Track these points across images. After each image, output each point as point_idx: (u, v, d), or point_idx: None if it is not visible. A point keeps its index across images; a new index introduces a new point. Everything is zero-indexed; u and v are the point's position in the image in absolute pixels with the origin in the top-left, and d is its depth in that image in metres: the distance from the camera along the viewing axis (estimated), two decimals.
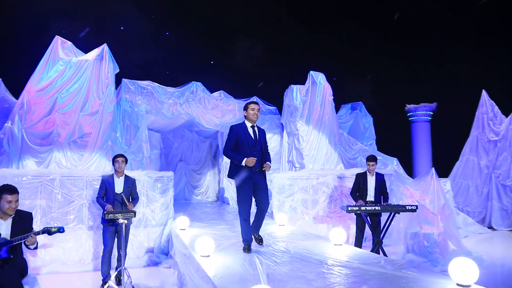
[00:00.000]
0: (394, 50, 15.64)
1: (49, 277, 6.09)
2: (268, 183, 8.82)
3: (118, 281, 5.13)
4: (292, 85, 10.48)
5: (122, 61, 8.85)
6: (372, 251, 5.96)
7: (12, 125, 7.31)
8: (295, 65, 14.01)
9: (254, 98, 11.91)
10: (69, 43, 8.13)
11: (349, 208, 5.90)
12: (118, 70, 8.43)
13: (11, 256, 3.65)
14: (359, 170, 7.31)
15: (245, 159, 4.53)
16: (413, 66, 15.85)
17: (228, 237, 5.77)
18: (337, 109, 12.52)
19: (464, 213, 10.34)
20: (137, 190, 5.86)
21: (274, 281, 3.43)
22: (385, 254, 5.87)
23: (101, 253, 5.48)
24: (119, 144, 8.63)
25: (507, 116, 11.45)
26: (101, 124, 7.79)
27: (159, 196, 7.33)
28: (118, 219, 5.00)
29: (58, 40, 7.94)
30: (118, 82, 9.39)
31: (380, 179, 6.45)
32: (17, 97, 8.07)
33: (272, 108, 12.02)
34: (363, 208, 5.92)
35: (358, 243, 6.38)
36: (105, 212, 5.11)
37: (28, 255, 6.00)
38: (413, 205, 5.94)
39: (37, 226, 5.85)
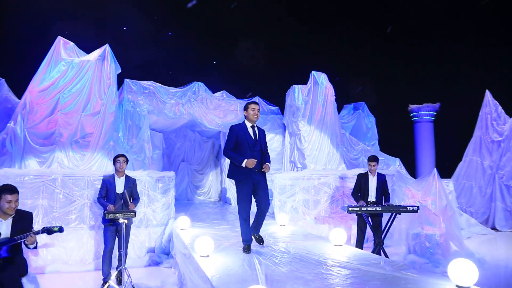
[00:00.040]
0: (397, 50, 15.58)
1: (51, 276, 6.12)
2: (269, 183, 8.81)
3: (119, 281, 5.15)
4: (294, 85, 10.48)
5: (124, 61, 8.89)
6: (373, 252, 5.94)
7: (14, 125, 7.36)
8: (297, 65, 14.01)
9: (256, 98, 11.93)
10: (71, 43, 8.17)
11: (350, 209, 5.87)
12: (120, 71, 8.46)
13: (11, 256, 3.67)
14: (361, 171, 7.28)
15: (246, 160, 4.52)
16: (417, 66, 15.79)
17: (229, 237, 5.77)
18: (339, 109, 12.49)
19: (467, 214, 10.26)
20: (139, 190, 5.87)
21: (272, 281, 3.42)
22: (386, 255, 5.84)
23: (102, 253, 5.50)
24: (121, 144, 8.66)
25: (510, 116, 11.37)
26: (103, 124, 7.82)
27: (160, 196, 7.35)
28: (118, 219, 5.01)
29: (60, 41, 7.98)
30: (120, 82, 9.43)
31: (382, 180, 6.42)
32: (19, 97, 8.13)
33: (274, 108, 12.02)
34: (364, 208, 5.89)
35: (359, 243, 6.35)
36: (105, 212, 5.12)
37: (30, 255, 6.05)
38: (415, 206, 5.90)
39: (38, 225, 5.89)
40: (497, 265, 6.74)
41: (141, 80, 10.14)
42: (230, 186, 11.48)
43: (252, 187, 4.69)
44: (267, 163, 4.74)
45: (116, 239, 5.45)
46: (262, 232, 5.06)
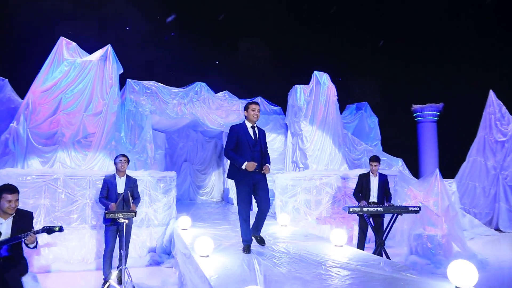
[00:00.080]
0: (400, 50, 15.52)
1: (53, 275, 6.15)
2: (270, 183, 8.81)
3: (119, 280, 5.16)
4: (296, 85, 10.45)
5: (126, 61, 8.92)
6: (374, 252, 5.91)
7: (17, 125, 7.40)
8: (300, 65, 13.99)
9: (259, 99, 11.92)
10: (74, 44, 8.21)
11: (351, 209, 5.85)
12: (122, 71, 8.49)
13: (11, 255, 3.70)
14: (363, 171, 7.25)
15: (246, 163, 4.51)
16: (420, 66, 15.72)
17: (229, 237, 5.76)
18: (342, 109, 12.46)
19: (470, 215, 10.19)
20: (140, 190, 5.88)
21: (271, 282, 3.41)
22: (387, 256, 5.82)
23: (103, 253, 5.51)
24: (123, 144, 8.69)
25: None
26: (105, 124, 7.85)
27: (161, 196, 7.37)
28: (119, 219, 5.03)
29: (63, 41, 8.02)
30: (122, 83, 9.46)
31: (383, 180, 6.38)
32: (23, 97, 8.17)
33: (277, 108, 12.01)
34: (365, 209, 5.86)
35: (361, 244, 6.31)
36: (106, 212, 5.13)
37: (32, 254, 6.08)
38: (416, 207, 5.87)
39: (40, 225, 5.92)
40: (500, 267, 6.68)
41: (143, 80, 10.18)
42: (233, 186, 11.47)
43: (252, 187, 4.69)
44: (267, 165, 4.73)
45: (117, 239, 5.47)
46: (263, 233, 5.05)
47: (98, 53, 8.21)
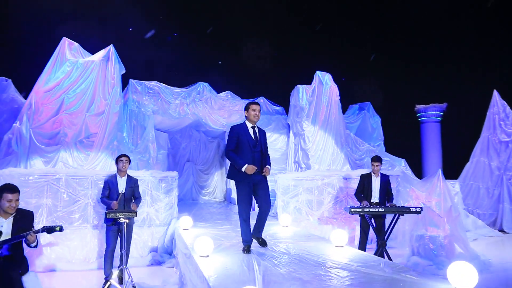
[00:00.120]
0: (403, 50, 15.45)
1: (55, 275, 6.19)
2: (272, 183, 8.83)
3: (120, 280, 5.18)
4: (298, 85, 10.43)
5: (129, 61, 8.95)
6: (375, 253, 5.88)
7: (20, 125, 7.45)
8: (303, 65, 13.97)
9: (261, 99, 11.92)
10: (76, 44, 8.25)
11: (352, 210, 5.82)
12: (124, 71, 8.52)
13: (12, 254, 3.72)
14: (365, 171, 7.22)
15: (246, 166, 4.49)
16: (423, 66, 15.65)
17: (230, 237, 5.76)
18: (345, 109, 12.44)
19: (474, 216, 10.13)
20: (142, 190, 5.89)
21: (269, 282, 3.41)
22: (389, 257, 5.79)
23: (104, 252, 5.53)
24: (126, 144, 8.71)
25: None
26: (107, 124, 7.88)
27: (163, 196, 7.38)
28: (119, 219, 5.04)
29: (65, 42, 8.07)
30: (125, 83, 9.50)
31: (385, 180, 6.34)
32: (26, 98, 8.22)
33: (279, 108, 12.01)
34: (366, 209, 5.83)
35: (362, 245, 6.28)
36: (106, 212, 5.15)
37: (33, 253, 6.11)
38: (418, 207, 5.83)
39: (43, 224, 5.95)
40: (504, 268, 6.63)
41: (145, 80, 10.21)
42: (235, 186, 11.47)
43: (252, 187, 4.68)
44: (268, 166, 4.71)
45: (118, 238, 5.48)
46: (264, 233, 5.02)
47: (101, 54, 8.25)
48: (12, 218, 3.78)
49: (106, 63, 8.15)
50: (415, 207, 5.82)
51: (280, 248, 4.95)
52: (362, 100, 12.91)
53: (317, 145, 9.85)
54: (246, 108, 4.82)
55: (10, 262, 3.67)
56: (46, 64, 7.93)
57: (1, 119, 8.67)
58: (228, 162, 12.19)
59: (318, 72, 10.30)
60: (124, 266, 5.02)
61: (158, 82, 10.33)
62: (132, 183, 5.62)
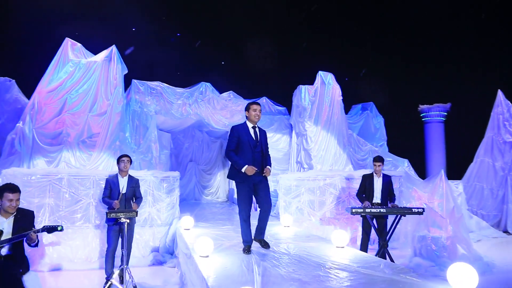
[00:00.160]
0: (406, 50, 15.38)
1: (57, 274, 6.22)
2: (274, 183, 8.81)
3: (121, 280, 5.19)
4: (300, 86, 10.41)
5: (131, 62, 8.99)
6: (377, 254, 5.85)
7: (23, 125, 7.49)
8: (305, 65, 13.94)
9: (264, 99, 11.91)
10: (79, 44, 8.29)
11: (354, 210, 5.79)
12: (126, 71, 8.55)
13: (12, 253, 3.74)
14: (368, 172, 7.19)
15: (246, 166, 4.48)
16: (427, 66, 15.57)
17: (231, 237, 5.75)
18: (348, 109, 12.39)
19: (478, 217, 10.05)
20: (144, 190, 5.90)
21: (268, 283, 3.39)
22: (391, 257, 5.75)
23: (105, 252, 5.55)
24: (128, 144, 8.74)
25: None
26: (109, 124, 7.91)
27: (165, 196, 7.39)
28: (120, 218, 5.05)
29: (68, 42, 8.10)
30: (127, 83, 9.53)
31: (387, 181, 6.30)
32: (29, 98, 8.27)
33: (282, 108, 11.99)
34: (367, 210, 5.80)
35: (364, 246, 6.24)
36: (107, 212, 5.17)
37: (36, 252, 6.15)
38: (420, 208, 5.78)
39: (45, 223, 5.98)
40: (507, 270, 6.56)
41: (148, 80, 10.23)
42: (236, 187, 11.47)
43: (253, 187, 4.67)
44: (268, 167, 4.70)
45: (120, 238, 5.49)
46: (265, 233, 4.98)
47: (103, 54, 8.28)
48: (13, 217, 3.80)
49: (108, 63, 8.18)
50: (417, 208, 5.78)
51: (281, 248, 4.93)
52: (365, 100, 12.86)
53: (320, 145, 9.82)
54: (247, 108, 4.81)
55: (10, 261, 3.69)
56: (49, 64, 7.97)
57: (4, 119, 8.74)
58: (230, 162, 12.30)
59: (320, 72, 10.27)
60: (125, 266, 5.03)
61: (160, 82, 10.35)
62: (134, 183, 5.64)
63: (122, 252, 5.20)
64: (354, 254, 4.66)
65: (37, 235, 3.78)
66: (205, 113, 10.76)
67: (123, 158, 5.59)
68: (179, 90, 10.61)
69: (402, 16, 14.87)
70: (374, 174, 6.34)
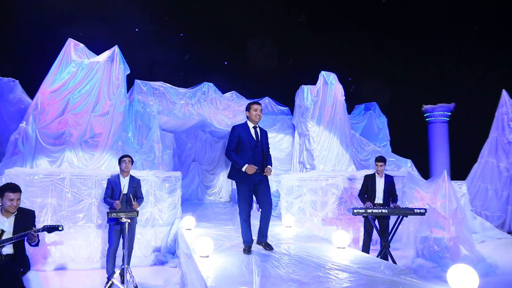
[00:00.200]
0: (409, 50, 15.30)
1: (59, 273, 6.25)
2: (276, 184, 8.79)
3: (122, 279, 5.20)
4: (303, 86, 10.38)
5: (134, 62, 9.01)
6: (379, 254, 5.82)
7: (26, 126, 7.53)
8: (307, 65, 13.90)
9: (266, 99, 11.90)
10: (82, 45, 8.32)
11: (355, 211, 5.77)
12: (129, 71, 8.56)
13: (13, 253, 3.76)
14: (370, 172, 7.16)
15: (246, 165, 4.48)
16: (430, 65, 15.47)
17: (232, 237, 5.75)
18: (351, 109, 12.34)
19: (482, 217, 9.96)
20: (145, 190, 5.91)
21: (267, 283, 3.39)
22: (392, 258, 5.72)
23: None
24: (131, 144, 8.76)
25: None
26: (112, 124, 7.93)
27: (166, 196, 7.40)
28: (121, 218, 5.06)
29: (71, 43, 8.14)
30: (130, 83, 9.55)
31: (389, 181, 6.27)
32: (33, 98, 8.32)
33: (284, 108, 11.96)
34: (369, 210, 5.78)
35: (366, 246, 6.22)
36: (108, 211, 5.18)
37: (38, 252, 6.18)
38: (422, 209, 5.75)
39: (47, 223, 6.02)
40: (511, 271, 6.50)
41: (151, 80, 10.26)
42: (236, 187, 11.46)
43: (253, 187, 4.67)
44: (269, 166, 4.68)
45: (121, 238, 5.50)
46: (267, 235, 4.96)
47: (105, 54, 8.30)
48: (14, 217, 3.83)
49: (111, 63, 8.20)
50: (419, 209, 5.74)
51: (281, 249, 4.92)
52: (368, 100, 12.80)
53: (322, 146, 9.78)
54: (248, 108, 4.80)
55: (11, 261, 3.71)
56: (52, 65, 8.00)
57: (8, 119, 8.80)
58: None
59: (323, 72, 10.23)
60: (126, 266, 5.04)
61: (163, 83, 10.37)
62: (135, 183, 5.65)
63: (123, 252, 5.22)
64: (354, 255, 4.64)
65: (37, 235, 3.80)
66: (208, 113, 10.77)
67: (125, 159, 5.61)
68: (182, 90, 10.62)
69: (402, 16, 14.80)
70: (376, 174, 6.31)
